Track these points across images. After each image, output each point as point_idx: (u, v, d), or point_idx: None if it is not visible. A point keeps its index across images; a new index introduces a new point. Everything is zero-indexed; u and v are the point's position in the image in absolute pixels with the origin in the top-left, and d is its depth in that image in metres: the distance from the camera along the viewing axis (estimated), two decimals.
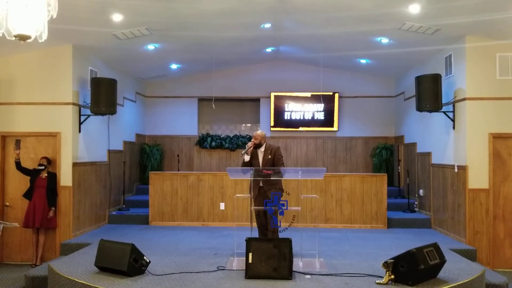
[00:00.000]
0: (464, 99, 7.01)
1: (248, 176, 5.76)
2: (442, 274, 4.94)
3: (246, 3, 6.27)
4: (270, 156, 6.00)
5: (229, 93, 11.01)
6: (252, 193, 5.78)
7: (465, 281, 4.82)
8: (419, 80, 7.44)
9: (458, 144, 7.22)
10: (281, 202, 5.60)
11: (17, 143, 6.88)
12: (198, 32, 7.35)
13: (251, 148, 5.96)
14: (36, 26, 3.36)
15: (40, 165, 6.98)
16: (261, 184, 5.88)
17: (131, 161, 10.04)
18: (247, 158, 5.95)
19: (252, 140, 6.01)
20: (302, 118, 10.99)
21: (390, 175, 10.35)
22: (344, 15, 6.56)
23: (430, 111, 7.46)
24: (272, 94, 10.96)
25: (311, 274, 5.07)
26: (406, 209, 9.00)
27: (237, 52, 9.36)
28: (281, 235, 5.69)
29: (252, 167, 5.80)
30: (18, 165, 6.93)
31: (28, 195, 6.97)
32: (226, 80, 10.97)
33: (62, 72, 7.20)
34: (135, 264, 4.95)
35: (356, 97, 10.96)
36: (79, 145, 7.43)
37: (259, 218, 6.01)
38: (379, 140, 10.91)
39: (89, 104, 7.43)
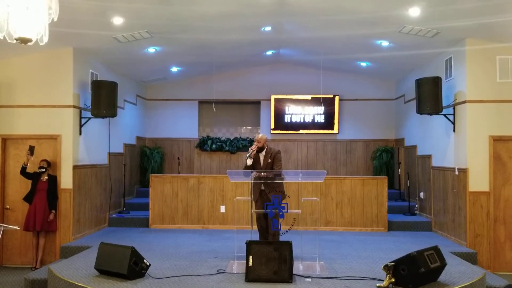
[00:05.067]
0: (464, 102, 7.01)
1: (249, 179, 5.76)
2: (442, 277, 4.94)
3: (247, 6, 6.28)
4: (270, 160, 6.01)
5: (230, 95, 11.02)
6: (253, 196, 5.77)
7: (465, 284, 4.82)
8: (419, 83, 7.44)
9: (458, 147, 7.22)
10: (281, 205, 5.59)
11: (31, 149, 6.89)
12: (198, 35, 7.36)
13: (254, 151, 5.97)
14: (37, 29, 3.37)
15: (40, 167, 6.98)
16: (262, 188, 5.88)
17: (131, 163, 10.04)
18: (250, 162, 5.94)
19: (254, 143, 6.02)
20: (302, 120, 10.98)
21: (390, 178, 10.35)
22: (344, 18, 6.57)
23: (431, 114, 7.46)
24: (273, 97, 10.96)
25: (311, 277, 5.06)
26: (407, 212, 8.99)
27: (237, 55, 9.37)
28: (282, 238, 5.69)
29: (253, 170, 5.81)
30: (23, 170, 6.92)
31: (28, 198, 6.96)
32: (227, 82, 10.98)
33: (62, 74, 7.20)
34: (135, 267, 4.94)
35: (356, 99, 10.96)
36: (80, 147, 7.43)
37: (260, 221, 6.01)
38: (380, 142, 10.91)
39: (90, 107, 7.44)
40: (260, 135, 6.07)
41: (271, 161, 6.00)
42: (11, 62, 7.24)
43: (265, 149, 6.06)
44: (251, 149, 5.97)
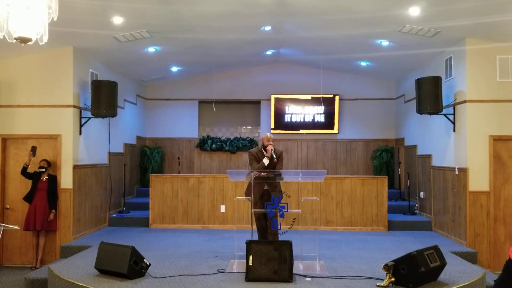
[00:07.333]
0: (464, 102, 7.01)
1: (250, 179, 5.74)
2: (442, 276, 4.94)
3: (247, 5, 6.28)
4: (275, 159, 6.01)
5: (230, 95, 11.02)
6: (253, 196, 5.77)
7: (465, 283, 4.82)
8: (420, 82, 7.44)
9: (458, 146, 7.22)
10: (281, 204, 5.59)
11: (33, 149, 6.90)
12: (198, 35, 7.36)
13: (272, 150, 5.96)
14: (36, 29, 3.37)
15: (40, 167, 6.99)
16: (266, 187, 5.88)
17: (131, 163, 10.04)
18: (267, 162, 5.93)
19: (270, 143, 5.97)
20: (302, 120, 10.99)
21: (390, 177, 10.35)
22: (344, 18, 6.57)
23: (431, 114, 7.46)
24: (273, 97, 10.96)
25: (311, 277, 5.06)
26: (407, 212, 8.99)
27: (237, 54, 9.37)
28: (282, 237, 5.69)
29: (253, 170, 5.81)
30: (24, 170, 6.92)
31: (28, 198, 6.97)
32: (227, 82, 10.98)
33: (62, 74, 7.21)
34: (135, 267, 4.94)
35: (356, 99, 10.96)
36: (80, 147, 7.44)
37: (260, 220, 6.01)
38: (380, 142, 10.91)
39: (90, 107, 7.44)
40: (268, 135, 6.06)
41: (276, 160, 6.01)
42: (11, 62, 7.24)
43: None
44: (271, 149, 5.94)
